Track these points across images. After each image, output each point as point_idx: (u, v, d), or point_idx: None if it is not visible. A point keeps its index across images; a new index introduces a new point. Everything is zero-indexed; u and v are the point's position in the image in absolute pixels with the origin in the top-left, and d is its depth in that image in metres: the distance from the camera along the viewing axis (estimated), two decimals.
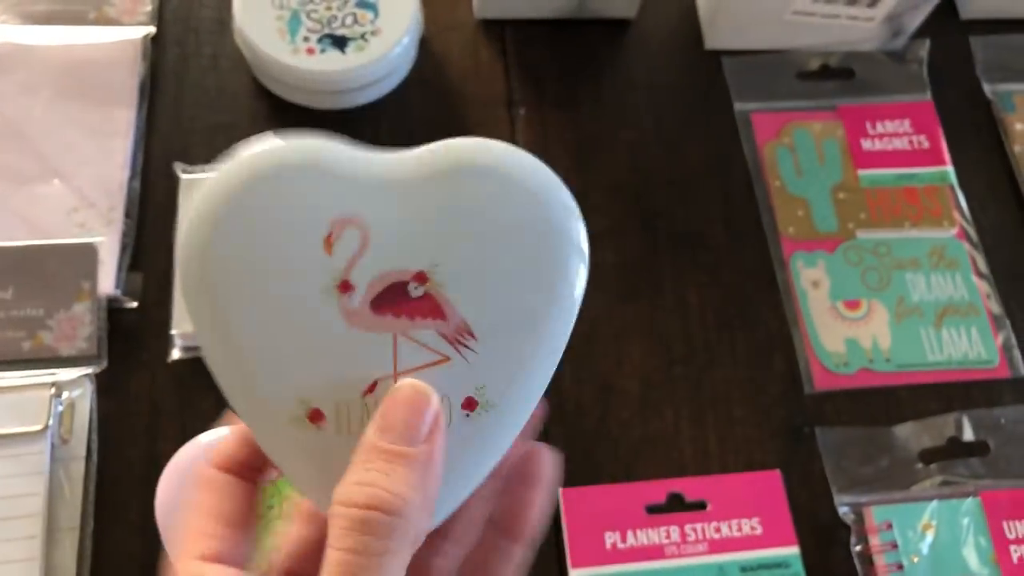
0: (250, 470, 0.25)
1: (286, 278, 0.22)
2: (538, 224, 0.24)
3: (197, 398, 0.48)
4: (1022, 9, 0.63)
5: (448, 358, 0.23)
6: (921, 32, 0.60)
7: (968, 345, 0.53)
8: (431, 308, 0.23)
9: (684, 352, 0.52)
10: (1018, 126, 0.59)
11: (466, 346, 0.23)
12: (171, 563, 0.26)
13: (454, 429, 0.23)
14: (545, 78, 0.59)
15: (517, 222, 0.23)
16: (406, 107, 0.57)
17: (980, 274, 0.55)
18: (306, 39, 0.53)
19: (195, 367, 0.48)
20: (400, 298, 0.23)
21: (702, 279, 0.54)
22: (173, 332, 0.48)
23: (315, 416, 0.22)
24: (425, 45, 0.59)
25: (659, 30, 0.61)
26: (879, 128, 0.59)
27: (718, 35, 0.60)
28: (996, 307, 0.54)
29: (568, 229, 0.24)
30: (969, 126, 0.60)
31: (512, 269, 0.23)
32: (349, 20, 0.54)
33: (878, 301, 0.54)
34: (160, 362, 0.48)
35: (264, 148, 0.25)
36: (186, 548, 0.23)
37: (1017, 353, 0.53)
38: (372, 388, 0.23)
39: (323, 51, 0.53)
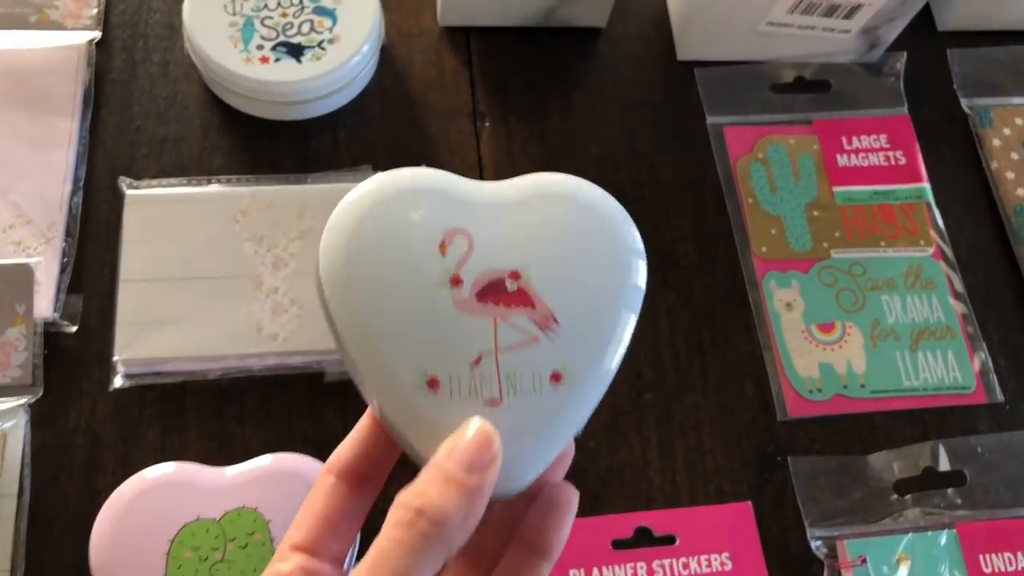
0: (359, 478, 0.29)
1: (409, 275, 0.28)
2: (604, 234, 0.30)
3: (140, 429, 0.45)
4: (1000, 21, 0.62)
5: (537, 339, 0.28)
6: (898, 44, 0.58)
7: (944, 370, 0.52)
8: (523, 299, 0.29)
9: (653, 377, 0.50)
10: (995, 142, 0.58)
11: (552, 330, 0.28)
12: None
13: (544, 398, 0.28)
14: (511, 88, 0.57)
15: (588, 233, 0.30)
16: (366, 118, 0.54)
17: (957, 295, 0.54)
18: (260, 47, 0.51)
19: (139, 395, 0.46)
20: (499, 291, 0.29)
21: (672, 300, 0.52)
22: (115, 358, 0.46)
23: (432, 383, 0.28)
24: (386, 53, 0.56)
25: (630, 40, 0.59)
26: (855, 143, 0.57)
27: (691, 46, 0.58)
28: (973, 330, 0.53)
29: (627, 235, 0.30)
30: (946, 141, 0.59)
31: (586, 269, 0.29)
32: (306, 27, 0.52)
33: (853, 324, 0.52)
34: (101, 391, 0.46)
35: (389, 175, 0.30)
36: (286, 537, 0.28)
37: (994, 378, 0.52)
38: (477, 361, 0.28)
39: (277, 60, 0.51)
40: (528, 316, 0.29)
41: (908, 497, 0.48)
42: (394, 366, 0.28)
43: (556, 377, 0.28)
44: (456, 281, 0.29)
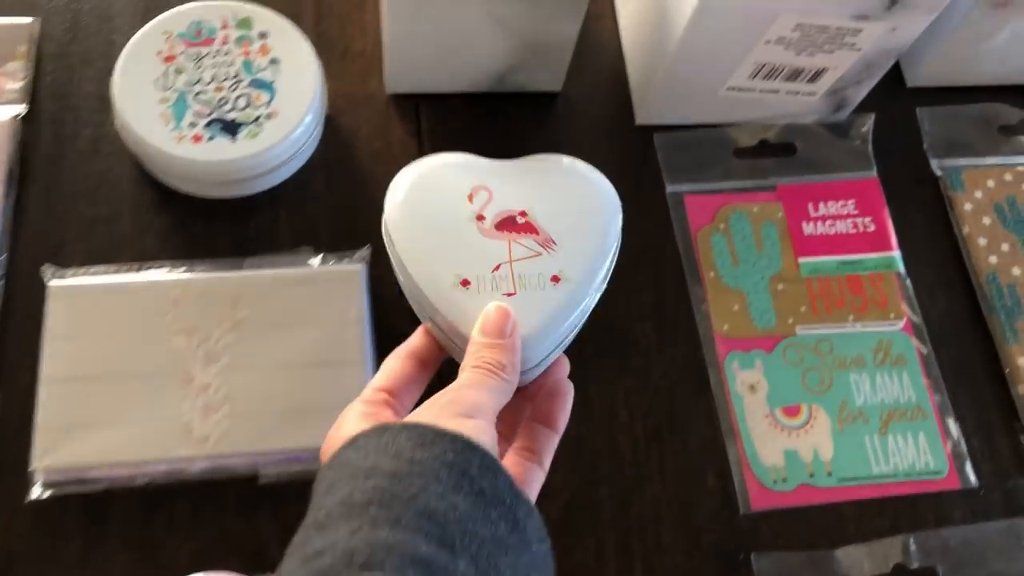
0: (422, 361, 0.39)
1: (447, 214, 0.40)
2: (590, 186, 0.42)
3: (60, 543, 0.43)
4: (971, 76, 0.60)
5: (540, 254, 0.39)
6: (866, 102, 0.56)
7: (916, 453, 0.49)
8: (530, 228, 0.40)
9: (610, 470, 0.48)
10: (967, 206, 0.56)
11: (551, 248, 0.40)
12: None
13: (546, 292, 0.39)
14: None
15: (577, 185, 0.42)
16: (309, 192, 0.52)
17: (928, 372, 0.51)
18: (193, 125, 0.48)
19: (59, 506, 0.43)
20: (511, 223, 0.40)
21: (630, 384, 0.50)
22: (33, 467, 0.43)
23: (464, 283, 0.38)
24: (331, 122, 0.54)
25: (587, 104, 0.57)
26: (822, 209, 0.55)
27: (649, 110, 0.55)
28: (945, 409, 0.50)
29: (604, 185, 0.42)
30: (916, 205, 0.57)
31: (576, 208, 0.41)
32: (242, 102, 0.49)
33: (820, 406, 0.50)
34: (17, 502, 0.43)
35: (430, 157, 0.42)
36: (371, 382, 0.37)
37: (967, 462, 0.49)
38: (497, 268, 0.39)
39: (211, 138, 0.48)
40: (534, 239, 0.40)
41: None
42: (438, 271, 0.39)
43: (555, 279, 0.39)
44: (480, 217, 0.40)
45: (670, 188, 0.55)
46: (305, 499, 0.45)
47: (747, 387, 0.50)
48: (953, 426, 0.50)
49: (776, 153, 0.56)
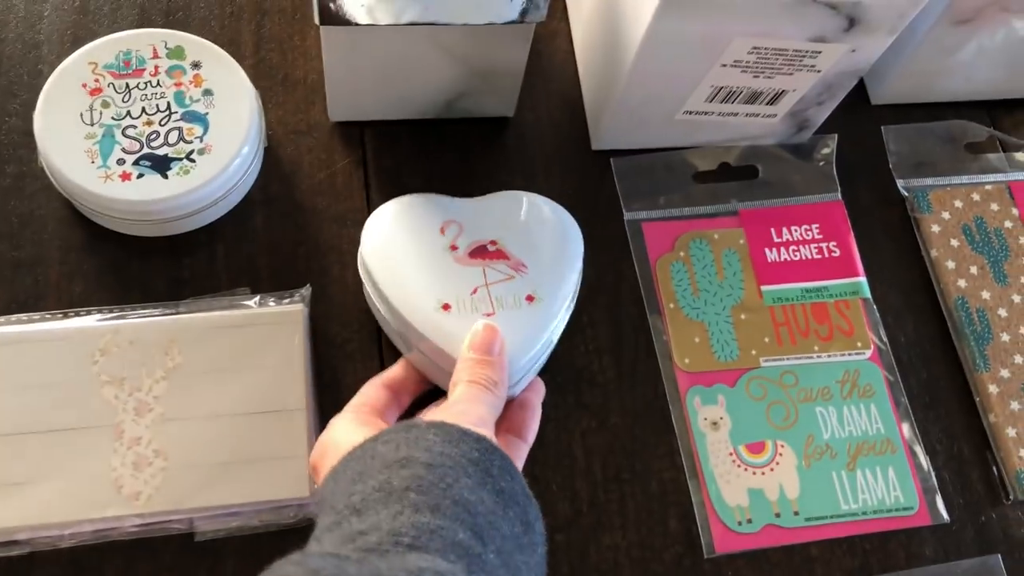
0: (398, 392, 0.43)
1: (423, 246, 0.44)
2: (552, 216, 0.46)
3: None
4: (936, 92, 0.58)
5: (513, 277, 0.44)
6: (830, 120, 0.54)
7: (885, 489, 0.47)
8: (501, 255, 0.44)
9: (567, 515, 0.45)
10: (934, 227, 0.54)
11: (522, 272, 0.44)
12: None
13: (523, 310, 0.43)
14: (410, 186, 0.51)
15: (541, 216, 0.46)
16: (247, 230, 0.49)
17: (897, 401, 0.50)
18: (121, 162, 0.46)
19: (7, 570, 0.41)
20: (483, 251, 0.44)
21: (588, 423, 0.47)
22: None
23: (445, 307, 0.42)
24: (271, 153, 0.51)
25: (542, 128, 0.55)
26: (785, 235, 0.53)
27: (605, 135, 0.53)
28: (914, 440, 0.49)
29: (562, 214, 0.46)
30: (883, 227, 0.55)
31: (540, 234, 0.45)
32: (173, 136, 0.47)
33: (785, 442, 0.48)
34: None
35: (405, 197, 0.46)
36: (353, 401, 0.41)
37: (938, 496, 0.48)
38: (475, 291, 0.43)
39: (141, 176, 0.46)
40: (505, 264, 0.44)
41: None
42: (420, 298, 0.42)
43: (530, 298, 0.43)
44: (454, 247, 0.44)
45: (628, 215, 0.53)
46: (245, 555, 0.42)
47: (710, 424, 0.48)
48: (923, 458, 0.49)
49: (737, 176, 0.54)
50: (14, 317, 0.45)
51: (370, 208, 0.51)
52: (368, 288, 0.45)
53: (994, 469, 0.49)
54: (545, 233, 0.46)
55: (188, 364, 0.44)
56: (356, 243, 0.50)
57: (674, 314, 0.50)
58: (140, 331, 0.45)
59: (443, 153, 0.53)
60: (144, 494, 0.42)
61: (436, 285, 0.43)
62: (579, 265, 0.45)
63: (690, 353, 0.49)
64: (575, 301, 0.45)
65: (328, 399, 0.46)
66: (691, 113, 0.51)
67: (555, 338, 0.45)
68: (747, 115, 0.52)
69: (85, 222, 0.48)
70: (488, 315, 0.42)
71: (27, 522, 0.41)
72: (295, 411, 0.44)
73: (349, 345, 0.48)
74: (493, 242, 0.45)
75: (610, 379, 0.49)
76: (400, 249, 0.44)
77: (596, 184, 0.54)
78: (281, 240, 0.49)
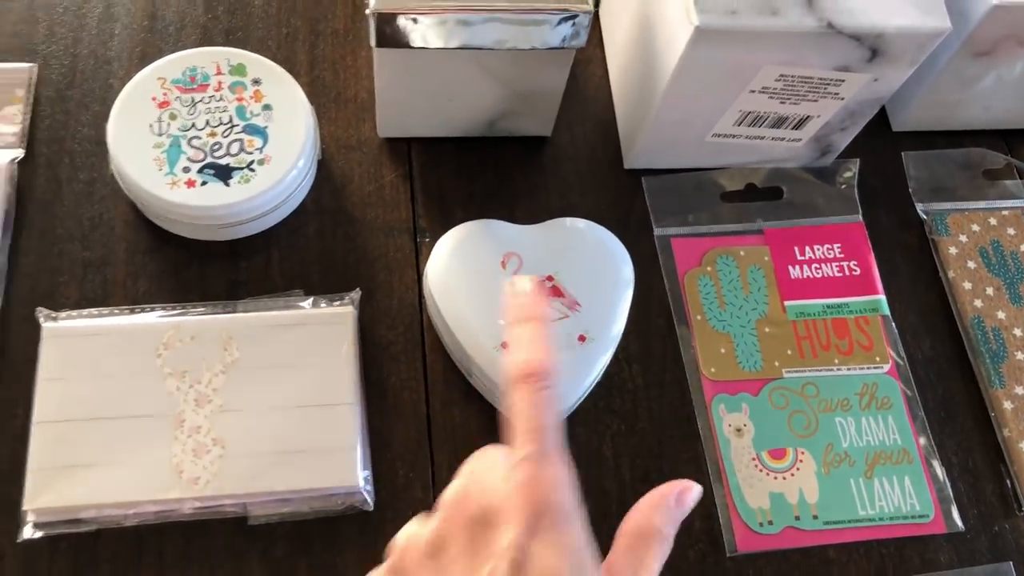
0: None
1: (485, 281, 0.47)
2: (606, 249, 0.49)
3: None
4: (956, 121, 0.61)
5: (568, 315, 0.46)
6: (852, 146, 0.57)
7: (901, 497, 0.50)
8: (556, 292, 0.47)
9: (596, 512, 0.48)
10: (952, 250, 0.56)
11: (576, 310, 0.46)
12: None
13: (575, 352, 0.46)
14: (453, 201, 0.55)
15: (595, 249, 0.49)
16: (301, 236, 0.53)
17: (914, 415, 0.52)
18: (186, 170, 0.49)
19: (50, 547, 0.44)
20: (541, 288, 0.41)
21: (617, 427, 0.50)
22: (25, 508, 0.43)
23: (504, 345, 0.44)
24: (324, 166, 0.55)
25: (577, 148, 0.58)
26: (808, 253, 0.56)
27: (637, 156, 0.56)
28: (931, 452, 0.51)
29: (621, 251, 0.49)
30: (902, 249, 0.57)
31: (595, 271, 0.48)
32: (235, 147, 0.50)
33: (805, 449, 0.50)
34: (8, 543, 0.43)
35: (467, 224, 0.49)
36: None
37: (953, 506, 0.50)
38: None
39: (204, 183, 0.49)
40: (561, 302, 0.46)
41: None
42: (480, 337, 0.46)
43: (582, 338, 0.46)
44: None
45: (658, 231, 0.55)
46: (295, 540, 0.45)
47: (734, 430, 0.50)
48: (939, 469, 0.51)
49: (763, 197, 0.57)
50: (85, 312, 0.48)
51: (415, 219, 0.54)
52: (434, 317, 0.49)
53: (1007, 482, 0.51)
54: (600, 267, 0.48)
55: (245, 359, 0.47)
56: (402, 252, 0.53)
57: (701, 325, 0.53)
58: (201, 327, 0.48)
59: (484, 169, 0.56)
60: (203, 479, 0.45)
61: (496, 323, 0.45)
62: (629, 303, 0.48)
63: (716, 363, 0.52)
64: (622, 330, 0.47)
65: (375, 395, 0.49)
66: (720, 136, 0.54)
67: (600, 375, 0.47)
68: (773, 139, 0.55)
69: (150, 226, 0.51)
70: None
71: (95, 501, 0.44)
72: (345, 405, 0.47)
73: (394, 347, 0.50)
74: (550, 277, 0.47)
75: (639, 386, 0.51)
76: (462, 283, 0.47)
77: (628, 201, 0.56)
78: (332, 247, 0.52)
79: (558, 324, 0.46)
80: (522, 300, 0.35)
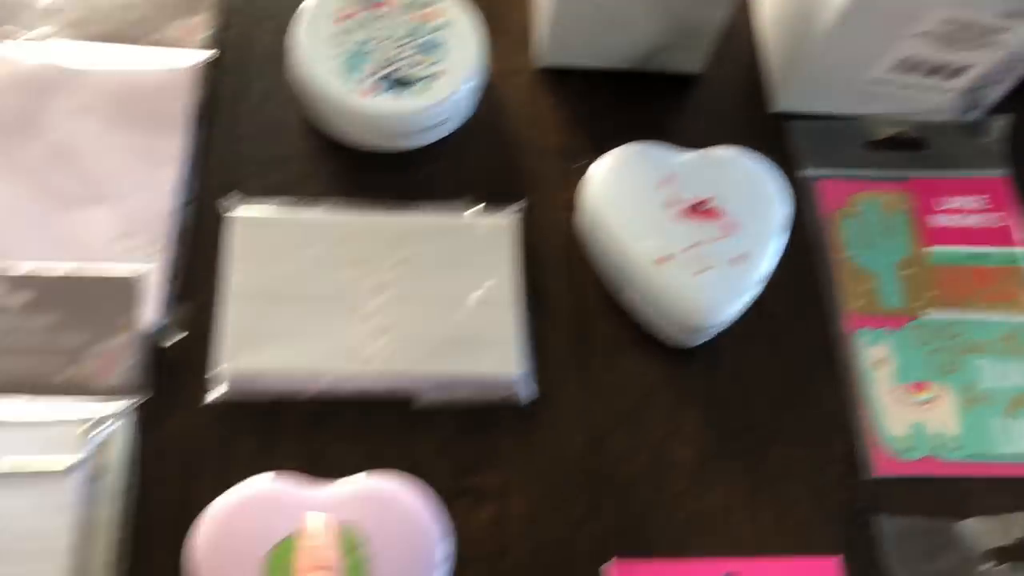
0: None
1: (643, 199, 0.49)
2: (763, 178, 0.50)
3: (237, 442, 0.46)
4: None
5: (726, 236, 0.47)
6: (1004, 101, 0.58)
7: None
8: (715, 214, 0.48)
9: (741, 425, 0.50)
10: None
11: (734, 232, 0.48)
12: None
13: (733, 272, 0.47)
14: (603, 131, 0.57)
15: (753, 174, 0.50)
16: (463, 152, 0.55)
17: None
18: (366, 79, 0.52)
19: (236, 410, 0.47)
20: (700, 209, 0.48)
21: (762, 350, 0.52)
22: (215, 371, 0.46)
23: (660, 260, 0.47)
24: (487, 90, 0.57)
25: (723, 87, 0.60)
26: (950, 203, 0.57)
27: (789, 97, 0.58)
28: None
29: (778, 180, 0.50)
30: None
31: (753, 195, 0.49)
32: (411, 62, 0.53)
33: (946, 385, 0.51)
34: (201, 402, 0.47)
35: (622, 148, 0.51)
36: None
37: None
38: (689, 248, 0.47)
39: (382, 93, 0.52)
40: (720, 223, 0.48)
41: (1005, 566, 0.46)
42: (636, 251, 0.47)
43: (739, 259, 0.47)
44: (671, 202, 0.48)
45: (804, 172, 0.57)
46: (456, 424, 0.48)
47: (875, 362, 0.52)
48: None
49: (909, 147, 0.58)
50: (270, 202, 0.51)
51: (569, 145, 0.56)
52: (590, 233, 0.50)
53: None
54: (759, 195, 0.49)
55: (416, 257, 0.50)
56: (559, 174, 0.56)
57: (844, 263, 0.54)
58: (376, 224, 0.51)
59: (635, 103, 0.58)
60: (376, 359, 0.47)
61: (652, 239, 0.47)
62: (784, 230, 0.49)
63: (859, 298, 0.53)
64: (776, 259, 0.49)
65: (532, 303, 0.51)
66: (873, 82, 0.56)
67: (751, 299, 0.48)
68: (925, 88, 0.56)
69: (327, 132, 0.54)
70: (697, 273, 0.46)
71: (279, 369, 0.47)
72: (506, 305, 0.49)
73: (549, 261, 0.53)
74: (710, 199, 0.48)
75: (783, 313, 0.53)
76: (621, 201, 0.48)
77: (772, 144, 0.58)
78: (493, 164, 0.55)
79: (715, 245, 0.48)
80: (314, 543, 0.37)
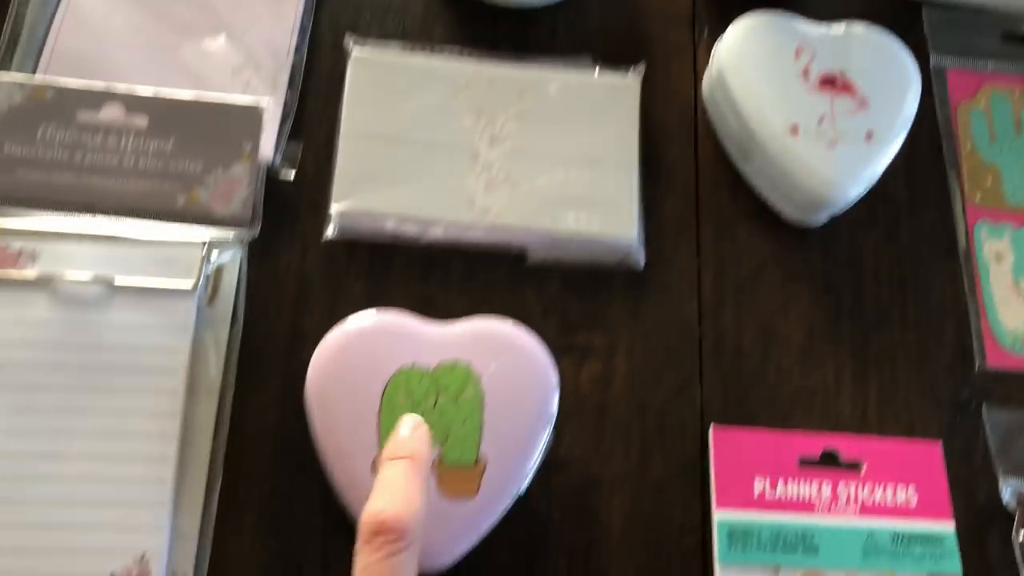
0: None
1: (778, 66, 0.48)
2: (896, 55, 0.50)
3: (347, 281, 0.46)
4: None
5: (857, 112, 0.47)
6: None
7: None
8: (848, 87, 0.47)
9: (852, 306, 0.49)
10: None
11: (865, 108, 0.47)
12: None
13: (863, 148, 0.47)
14: (730, 4, 0.55)
15: (886, 54, 0.50)
16: (585, 13, 0.54)
17: None
18: None
19: (348, 249, 0.47)
20: (833, 82, 0.47)
21: (878, 234, 0.51)
22: (330, 210, 0.46)
23: (794, 130, 0.46)
24: None
25: None
26: None
27: None
28: None
29: (910, 59, 0.50)
30: None
31: (887, 74, 0.49)
32: None
33: None
34: (313, 238, 0.47)
35: (759, 15, 0.50)
36: None
37: None
38: (821, 119, 0.46)
39: None
40: (852, 98, 0.47)
41: None
42: (771, 119, 0.46)
43: (869, 135, 0.46)
44: (806, 72, 0.47)
45: (934, 60, 0.55)
46: (567, 283, 0.47)
47: (994, 255, 0.50)
48: None
49: None
50: (390, 43, 0.50)
51: (695, 16, 0.55)
52: (718, 100, 0.49)
53: None
54: (891, 72, 0.49)
55: (536, 110, 0.49)
56: (682, 40, 0.54)
57: (970, 155, 0.53)
58: (497, 74, 0.50)
59: None
60: (492, 211, 0.47)
61: (787, 108, 0.46)
62: (915, 109, 0.48)
63: (982, 191, 0.52)
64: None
65: (650, 167, 0.50)
66: None
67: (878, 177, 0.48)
68: None
69: None
70: (829, 147, 0.46)
71: (394, 211, 0.46)
72: (624, 167, 0.49)
73: (670, 127, 0.52)
74: (842, 73, 0.48)
75: (902, 201, 0.52)
76: (756, 68, 0.48)
77: (904, 30, 0.56)
78: (615, 26, 0.54)
79: (847, 119, 0.47)
80: (401, 437, 0.35)
